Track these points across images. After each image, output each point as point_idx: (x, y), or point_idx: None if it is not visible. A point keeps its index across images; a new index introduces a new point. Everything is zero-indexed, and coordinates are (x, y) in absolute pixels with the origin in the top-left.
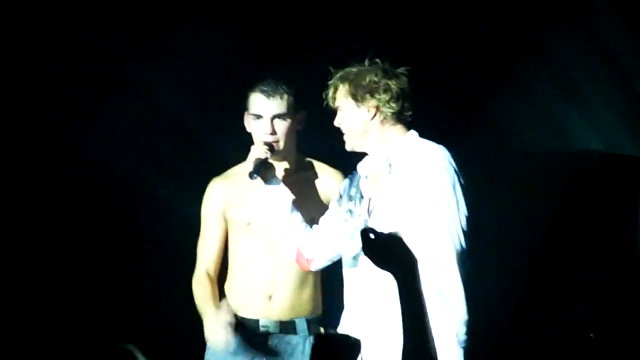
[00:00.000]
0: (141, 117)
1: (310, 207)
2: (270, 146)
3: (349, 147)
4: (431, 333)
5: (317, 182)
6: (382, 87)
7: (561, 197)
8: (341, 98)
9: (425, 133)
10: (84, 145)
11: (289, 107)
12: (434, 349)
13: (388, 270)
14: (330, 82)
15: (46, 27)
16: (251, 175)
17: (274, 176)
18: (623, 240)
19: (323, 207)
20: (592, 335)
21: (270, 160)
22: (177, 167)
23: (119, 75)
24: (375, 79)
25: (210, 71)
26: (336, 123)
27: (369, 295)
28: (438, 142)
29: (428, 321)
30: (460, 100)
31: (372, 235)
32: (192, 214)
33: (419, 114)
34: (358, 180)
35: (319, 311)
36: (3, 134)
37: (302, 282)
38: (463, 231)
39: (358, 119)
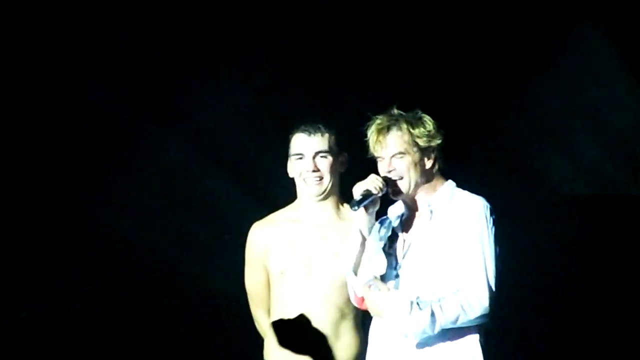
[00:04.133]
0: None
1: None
2: (387, 184)
3: (404, 191)
4: None
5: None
6: (440, 136)
7: (600, 243)
8: (404, 144)
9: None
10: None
11: (330, 146)
12: None
13: None
14: (384, 126)
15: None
16: (353, 205)
17: (373, 214)
18: None
19: None
20: None
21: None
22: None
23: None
24: (435, 127)
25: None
26: (390, 169)
27: (391, 330)
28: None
29: None
30: (492, 142)
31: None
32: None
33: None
34: (388, 223)
35: (362, 358)
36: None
37: (337, 330)
38: (495, 278)
39: (421, 166)
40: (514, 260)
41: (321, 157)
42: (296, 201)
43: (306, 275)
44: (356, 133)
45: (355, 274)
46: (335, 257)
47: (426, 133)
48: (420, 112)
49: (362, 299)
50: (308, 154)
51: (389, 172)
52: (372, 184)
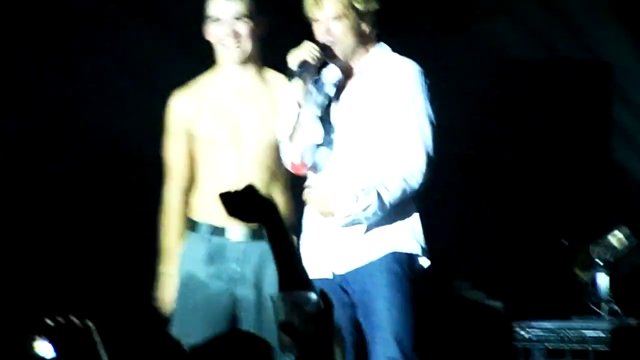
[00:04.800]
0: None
1: (270, 118)
2: (324, 50)
3: (341, 56)
4: (306, 272)
5: (278, 93)
6: (377, 1)
7: (534, 104)
8: (341, 6)
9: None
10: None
11: (249, 9)
12: (310, 284)
13: (256, 222)
14: None
15: None
16: (290, 76)
17: (309, 83)
18: (596, 145)
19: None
20: (565, 241)
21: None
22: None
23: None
24: None
25: None
26: (326, 32)
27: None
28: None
29: (301, 261)
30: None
31: (230, 195)
32: None
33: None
34: (324, 88)
35: (292, 219)
36: None
37: (269, 191)
38: (431, 142)
39: (358, 30)
40: (448, 122)
41: (240, 21)
42: (216, 66)
43: (235, 138)
44: None
45: (291, 141)
46: (261, 120)
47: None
48: None
49: (299, 166)
50: (225, 17)
51: (326, 34)
52: (308, 53)
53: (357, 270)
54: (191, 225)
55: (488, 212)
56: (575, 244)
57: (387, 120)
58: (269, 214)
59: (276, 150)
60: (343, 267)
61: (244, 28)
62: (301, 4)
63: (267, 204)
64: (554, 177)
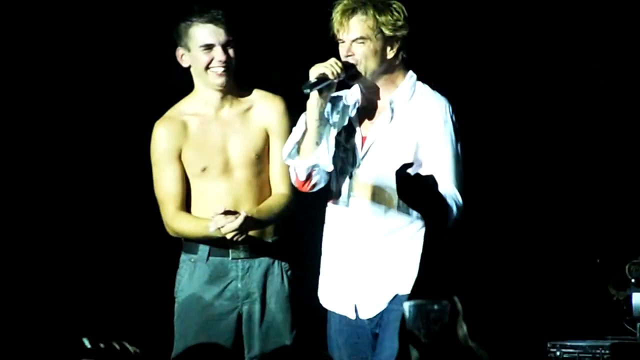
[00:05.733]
0: None
1: (254, 136)
2: (346, 69)
3: (360, 77)
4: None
5: (260, 114)
6: (407, 27)
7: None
8: (366, 29)
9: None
10: None
11: (233, 36)
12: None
13: (418, 210)
14: (349, 8)
15: None
16: (306, 88)
17: (326, 99)
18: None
19: (264, 136)
20: (598, 260)
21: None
22: None
23: None
24: (403, 16)
25: None
26: (348, 53)
27: (358, 237)
28: None
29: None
30: None
31: (408, 175)
32: None
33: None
34: (343, 108)
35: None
36: None
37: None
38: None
39: (382, 54)
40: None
41: (229, 47)
42: (195, 94)
43: (224, 165)
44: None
45: (301, 158)
46: (246, 143)
47: (393, 21)
48: None
49: (304, 183)
50: (218, 43)
51: (347, 56)
52: (330, 67)
53: (383, 313)
54: (188, 247)
55: (522, 231)
56: (611, 263)
57: (418, 163)
58: (435, 208)
59: (263, 171)
60: (369, 310)
61: (232, 53)
62: None
63: (439, 198)
64: (589, 194)
